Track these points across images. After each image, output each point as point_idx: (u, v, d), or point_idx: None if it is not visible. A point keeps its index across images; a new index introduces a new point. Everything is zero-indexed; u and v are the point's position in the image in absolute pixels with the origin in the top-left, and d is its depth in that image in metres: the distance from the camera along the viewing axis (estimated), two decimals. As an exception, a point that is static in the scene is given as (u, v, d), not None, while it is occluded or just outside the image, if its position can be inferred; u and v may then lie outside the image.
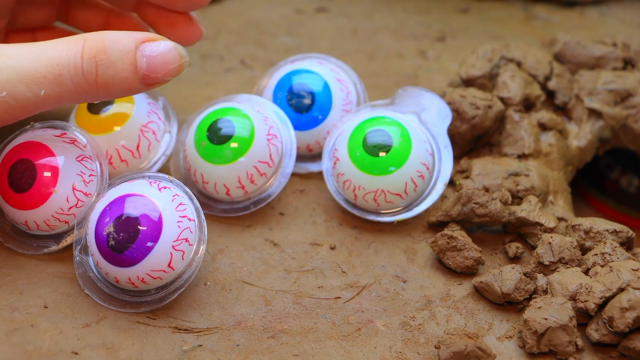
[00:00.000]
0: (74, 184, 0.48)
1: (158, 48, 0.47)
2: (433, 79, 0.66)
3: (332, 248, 0.52)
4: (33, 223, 0.49)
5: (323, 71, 0.57)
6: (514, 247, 0.52)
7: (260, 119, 0.53)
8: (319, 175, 0.57)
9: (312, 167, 0.57)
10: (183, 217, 0.46)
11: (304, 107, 0.56)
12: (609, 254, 0.49)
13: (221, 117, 0.53)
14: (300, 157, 0.57)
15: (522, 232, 0.53)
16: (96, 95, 0.46)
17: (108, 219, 0.46)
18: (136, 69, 0.46)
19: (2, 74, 0.44)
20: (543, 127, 0.59)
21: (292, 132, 0.54)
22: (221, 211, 0.53)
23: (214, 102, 0.55)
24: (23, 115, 0.46)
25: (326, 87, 0.56)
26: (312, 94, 0.56)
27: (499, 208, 0.52)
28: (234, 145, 0.52)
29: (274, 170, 0.53)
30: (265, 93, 0.57)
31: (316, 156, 0.57)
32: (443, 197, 0.55)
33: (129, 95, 0.48)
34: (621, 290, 0.46)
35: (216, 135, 0.52)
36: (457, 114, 0.57)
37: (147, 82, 0.47)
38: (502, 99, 0.59)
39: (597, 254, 0.49)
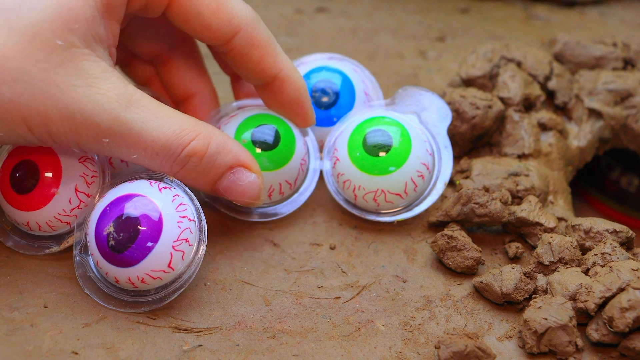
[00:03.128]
0: (77, 186, 0.48)
1: (246, 179, 0.48)
2: (433, 79, 0.66)
3: (332, 248, 0.52)
4: (35, 224, 0.49)
5: (356, 79, 0.57)
6: (514, 247, 0.52)
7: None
8: (319, 175, 0.57)
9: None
10: (183, 217, 0.46)
11: (324, 104, 0.56)
12: (609, 254, 0.49)
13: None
14: None
15: (522, 232, 0.53)
16: (165, 173, 0.48)
17: (108, 218, 0.46)
18: (216, 182, 0.48)
19: (122, 129, 0.44)
20: (543, 127, 0.59)
21: None
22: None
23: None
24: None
25: (352, 93, 0.56)
26: (337, 95, 0.56)
27: (499, 208, 0.52)
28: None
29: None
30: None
31: None
32: (443, 197, 0.55)
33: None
34: (621, 290, 0.46)
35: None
36: (457, 114, 0.57)
37: (215, 193, 0.49)
38: (502, 99, 0.59)
39: (597, 254, 0.49)
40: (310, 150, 0.54)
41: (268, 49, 0.50)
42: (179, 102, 0.56)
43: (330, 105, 0.56)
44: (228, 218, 0.54)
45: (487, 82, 0.60)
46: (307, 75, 0.57)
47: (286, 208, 0.53)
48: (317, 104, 0.56)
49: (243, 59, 0.50)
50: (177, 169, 0.47)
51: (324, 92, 0.56)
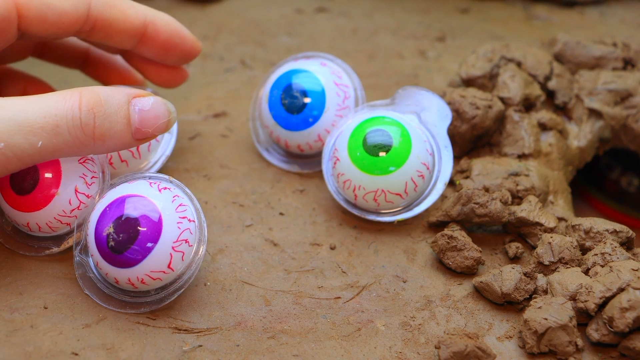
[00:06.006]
0: (77, 186, 0.48)
1: (149, 103, 0.47)
2: (433, 79, 0.66)
3: (332, 248, 0.52)
4: (35, 225, 0.49)
5: (323, 73, 0.56)
6: (514, 247, 0.52)
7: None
8: (319, 175, 0.57)
9: (304, 167, 0.57)
10: (183, 218, 0.46)
11: (296, 108, 0.56)
12: (609, 254, 0.49)
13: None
14: (293, 156, 0.57)
15: (522, 232, 0.53)
16: (92, 147, 0.46)
17: (108, 219, 0.46)
18: (130, 122, 0.47)
19: (0, 125, 0.44)
20: (543, 127, 0.59)
21: None
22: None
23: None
24: (18, 167, 0.45)
25: (321, 90, 0.56)
26: (306, 96, 0.56)
27: (499, 208, 0.52)
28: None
29: None
30: (264, 90, 0.58)
31: (307, 156, 0.57)
32: (443, 197, 0.55)
33: (121, 150, 0.49)
34: (621, 290, 0.46)
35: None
36: (457, 114, 0.57)
37: (138, 136, 0.48)
38: (502, 99, 0.59)
39: (597, 254, 0.49)
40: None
41: (125, 3, 0.53)
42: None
43: (301, 108, 0.56)
44: (228, 218, 0.54)
45: (487, 82, 0.60)
46: (274, 86, 0.57)
47: None
48: (290, 110, 0.56)
49: (108, 23, 0.52)
50: (91, 129, 0.46)
51: (293, 96, 0.56)
